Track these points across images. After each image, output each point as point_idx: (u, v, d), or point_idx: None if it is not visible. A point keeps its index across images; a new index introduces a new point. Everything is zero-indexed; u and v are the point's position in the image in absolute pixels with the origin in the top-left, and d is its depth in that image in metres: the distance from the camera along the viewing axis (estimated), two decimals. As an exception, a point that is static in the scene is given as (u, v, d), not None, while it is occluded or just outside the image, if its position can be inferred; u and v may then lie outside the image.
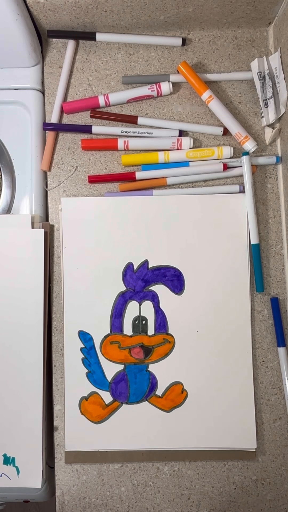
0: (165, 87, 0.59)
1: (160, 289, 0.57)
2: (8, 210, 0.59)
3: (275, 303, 0.58)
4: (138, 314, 0.57)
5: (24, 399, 0.55)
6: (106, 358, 0.57)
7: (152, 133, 0.59)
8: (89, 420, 0.56)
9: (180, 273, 0.57)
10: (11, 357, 0.56)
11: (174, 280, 0.57)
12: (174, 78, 0.60)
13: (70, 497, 0.57)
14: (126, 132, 0.59)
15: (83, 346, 0.57)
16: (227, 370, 0.56)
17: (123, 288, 0.57)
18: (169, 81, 0.59)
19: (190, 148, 0.58)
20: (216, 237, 0.57)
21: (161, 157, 0.58)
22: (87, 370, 0.56)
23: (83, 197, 0.59)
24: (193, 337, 0.57)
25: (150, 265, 0.57)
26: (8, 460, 0.55)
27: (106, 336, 0.57)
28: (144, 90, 0.59)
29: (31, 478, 0.55)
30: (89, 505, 0.57)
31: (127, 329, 0.57)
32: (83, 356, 0.57)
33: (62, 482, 0.57)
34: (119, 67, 0.61)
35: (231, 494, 0.57)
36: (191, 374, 0.56)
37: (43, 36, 0.60)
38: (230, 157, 0.58)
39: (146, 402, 0.56)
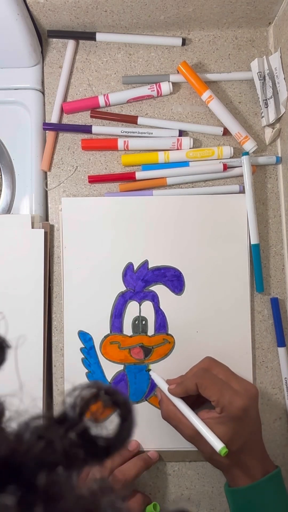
0: (165, 87, 0.59)
1: (160, 289, 0.57)
2: (8, 210, 0.59)
3: (275, 303, 0.57)
4: (138, 314, 0.57)
5: (24, 399, 0.55)
6: (106, 358, 0.57)
7: (152, 133, 0.59)
8: (89, 420, 0.56)
9: (180, 273, 0.57)
10: (10, 357, 0.56)
11: (174, 280, 0.57)
12: (174, 78, 0.59)
13: (70, 497, 0.57)
14: (126, 132, 0.59)
15: (83, 346, 0.57)
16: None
17: (123, 288, 0.57)
18: (169, 81, 0.59)
19: (190, 148, 0.58)
20: (216, 237, 0.57)
21: (161, 157, 0.58)
22: (87, 370, 0.56)
23: (83, 197, 0.59)
24: (193, 337, 0.57)
25: (150, 265, 0.57)
26: (8, 460, 0.55)
27: (106, 336, 0.57)
28: (144, 90, 0.59)
29: (31, 478, 0.55)
30: (89, 505, 0.56)
31: (127, 329, 0.57)
32: (83, 356, 0.57)
33: (62, 482, 0.57)
34: (119, 67, 0.61)
35: (231, 494, 0.57)
36: (191, 374, 0.56)
37: (43, 36, 0.60)
38: (230, 157, 0.58)
39: (146, 402, 0.56)
